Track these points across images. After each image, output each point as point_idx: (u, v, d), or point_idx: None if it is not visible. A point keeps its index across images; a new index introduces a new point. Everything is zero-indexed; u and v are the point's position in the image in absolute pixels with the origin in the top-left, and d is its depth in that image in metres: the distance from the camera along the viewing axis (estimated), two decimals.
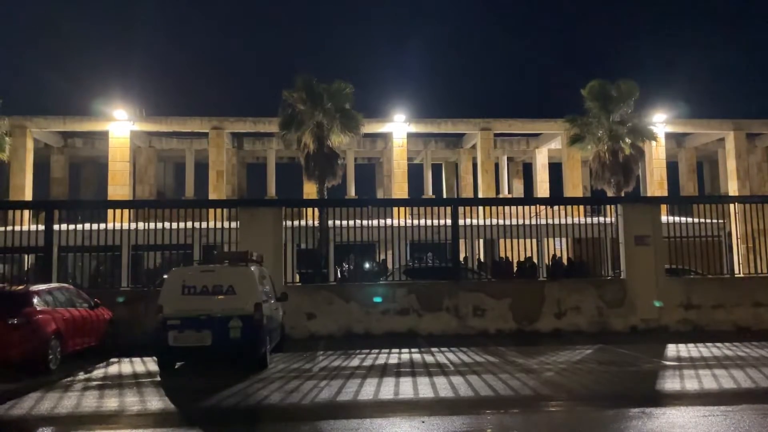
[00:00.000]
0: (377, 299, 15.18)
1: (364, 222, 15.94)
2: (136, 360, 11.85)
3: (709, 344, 12.97)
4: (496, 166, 31.88)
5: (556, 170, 32.14)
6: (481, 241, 25.53)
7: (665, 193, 29.07)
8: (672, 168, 32.06)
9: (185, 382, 9.93)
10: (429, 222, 16.21)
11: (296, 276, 17.00)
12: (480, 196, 29.50)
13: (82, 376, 10.30)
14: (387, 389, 8.87)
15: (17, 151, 26.56)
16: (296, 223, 16.70)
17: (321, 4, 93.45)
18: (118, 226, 16.36)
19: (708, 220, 16.74)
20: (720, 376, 9.49)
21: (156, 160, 32.68)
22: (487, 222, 17.37)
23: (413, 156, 33.17)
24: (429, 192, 33.14)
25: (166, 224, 15.22)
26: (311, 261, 16.93)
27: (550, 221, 16.89)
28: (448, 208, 16.18)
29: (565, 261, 21.39)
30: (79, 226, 15.28)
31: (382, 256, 24.78)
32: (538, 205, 19.63)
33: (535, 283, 16.65)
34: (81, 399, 8.54)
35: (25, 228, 15.94)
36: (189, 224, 15.46)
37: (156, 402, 8.40)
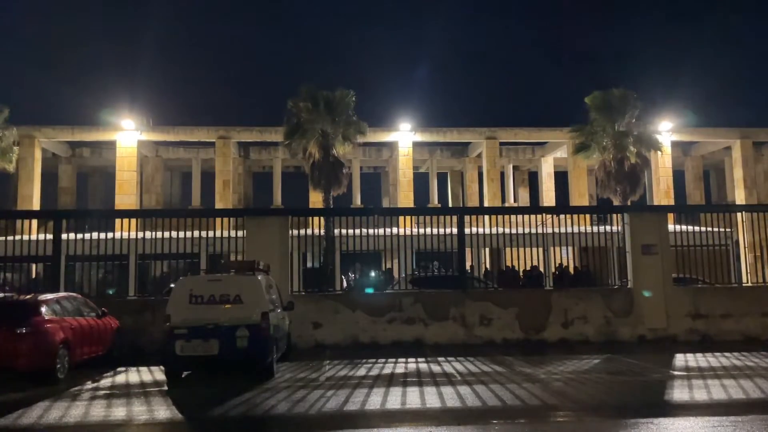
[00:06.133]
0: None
1: (370, 231, 15.95)
2: (143, 369, 11.88)
3: (717, 354, 12.90)
4: (502, 174, 31.90)
5: (561, 179, 32.13)
6: (487, 250, 25.48)
7: (672, 202, 28.98)
8: (678, 177, 31.98)
9: (192, 392, 9.94)
10: (435, 231, 16.20)
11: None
12: (486, 204, 29.50)
13: (89, 385, 10.33)
14: (394, 399, 8.85)
15: (25, 160, 26.78)
16: (302, 232, 16.74)
17: (327, 13, 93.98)
18: (125, 235, 16.44)
19: (715, 229, 16.68)
20: (729, 387, 9.43)
21: (163, 170, 32.86)
22: (493, 231, 17.35)
23: (419, 165, 33.22)
24: (434, 201, 33.15)
25: (173, 233, 15.28)
26: (318, 280, 16.93)
27: (556, 230, 16.86)
28: (454, 217, 16.18)
29: (571, 270, 21.32)
30: (87, 236, 15.37)
31: (388, 265, 24.76)
32: (544, 214, 19.61)
33: (541, 292, 16.59)
34: (89, 408, 8.57)
35: (33, 237, 16.04)
36: (196, 233, 15.52)
37: (163, 411, 8.41)
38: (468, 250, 19.30)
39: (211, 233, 15.92)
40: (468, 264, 20.62)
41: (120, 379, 11.02)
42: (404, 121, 28.68)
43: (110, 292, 16.59)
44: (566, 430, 7.52)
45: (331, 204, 23.78)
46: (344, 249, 18.55)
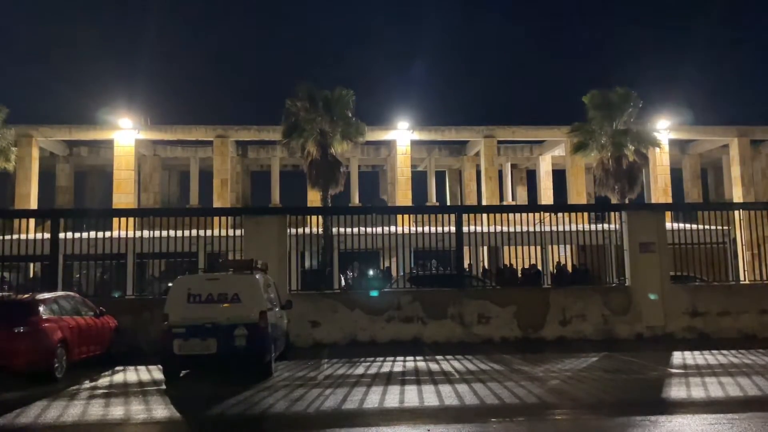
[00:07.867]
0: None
1: (368, 229, 15.97)
2: (141, 368, 11.88)
3: (714, 352, 12.92)
4: (500, 173, 31.90)
5: (559, 177, 32.12)
6: (486, 248, 25.52)
7: (669, 200, 29.01)
8: (676, 175, 32.01)
9: (190, 391, 9.94)
10: (433, 229, 16.21)
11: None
12: (484, 203, 29.50)
13: (87, 384, 10.33)
14: (392, 397, 8.86)
15: (23, 160, 26.72)
16: (300, 230, 16.74)
17: (325, 13, 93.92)
18: (123, 234, 16.43)
19: (713, 227, 16.71)
20: (726, 384, 9.45)
21: (161, 169, 32.82)
22: (492, 229, 17.37)
23: (417, 163, 33.21)
24: (433, 199, 33.17)
25: (171, 232, 15.27)
26: (316, 279, 16.94)
27: (554, 228, 16.88)
28: (452, 216, 16.19)
29: (569, 268, 21.37)
30: (85, 235, 15.35)
31: (386, 264, 24.79)
32: (542, 212, 19.62)
33: (539, 290, 16.62)
34: (87, 407, 8.56)
35: (31, 236, 16.02)
36: (194, 232, 15.51)
37: (161, 410, 8.41)
38: (466, 249, 19.34)
39: (209, 232, 15.91)
40: (466, 262, 20.65)
41: (118, 378, 11.01)
42: (402, 120, 28.67)
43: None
44: (564, 428, 7.53)
45: (329, 203, 23.78)
46: (342, 248, 18.57)
